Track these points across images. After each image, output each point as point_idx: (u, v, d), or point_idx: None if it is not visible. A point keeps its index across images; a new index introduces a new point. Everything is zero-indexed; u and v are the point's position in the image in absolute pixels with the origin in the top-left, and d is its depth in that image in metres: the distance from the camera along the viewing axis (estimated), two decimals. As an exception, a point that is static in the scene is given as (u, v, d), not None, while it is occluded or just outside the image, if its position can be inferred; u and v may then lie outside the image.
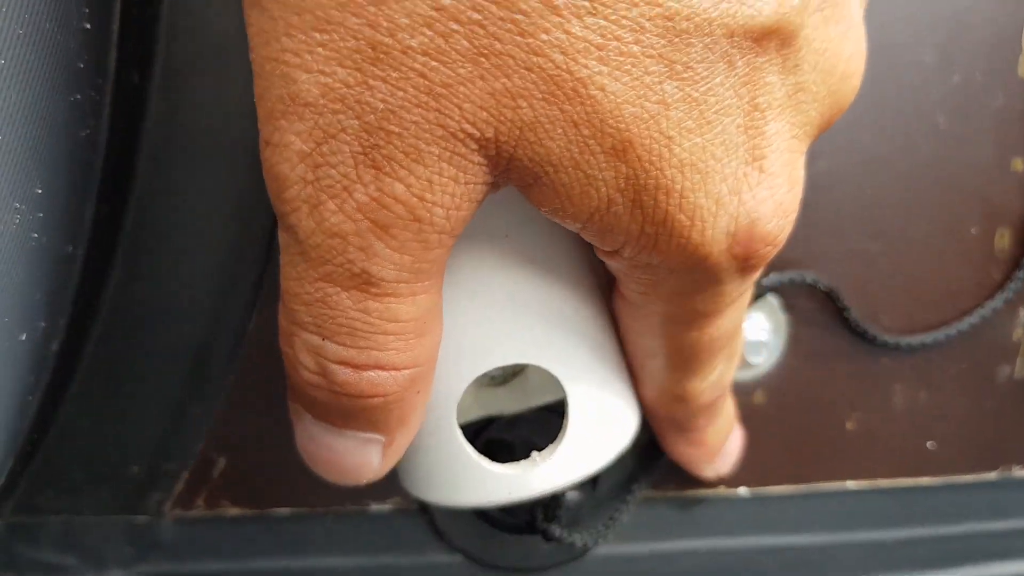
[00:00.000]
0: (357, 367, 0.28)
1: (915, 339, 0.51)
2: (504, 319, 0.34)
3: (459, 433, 0.37)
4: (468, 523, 0.51)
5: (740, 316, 0.36)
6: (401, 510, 0.51)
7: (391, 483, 0.50)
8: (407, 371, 0.30)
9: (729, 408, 0.46)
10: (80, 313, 0.40)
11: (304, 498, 0.50)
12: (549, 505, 0.44)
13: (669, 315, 0.34)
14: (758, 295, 0.49)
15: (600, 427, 0.39)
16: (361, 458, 0.33)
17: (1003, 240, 0.52)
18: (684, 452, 0.46)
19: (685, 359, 0.36)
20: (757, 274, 0.32)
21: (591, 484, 0.49)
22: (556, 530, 0.45)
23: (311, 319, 0.28)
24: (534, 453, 0.38)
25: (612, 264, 0.32)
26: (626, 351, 0.40)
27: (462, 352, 0.35)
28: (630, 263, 0.30)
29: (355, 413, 0.30)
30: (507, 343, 0.35)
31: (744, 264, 0.30)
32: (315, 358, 0.29)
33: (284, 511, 0.50)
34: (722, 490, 0.53)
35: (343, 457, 0.33)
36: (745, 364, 0.49)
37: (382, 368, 0.29)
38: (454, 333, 0.34)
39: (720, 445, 0.46)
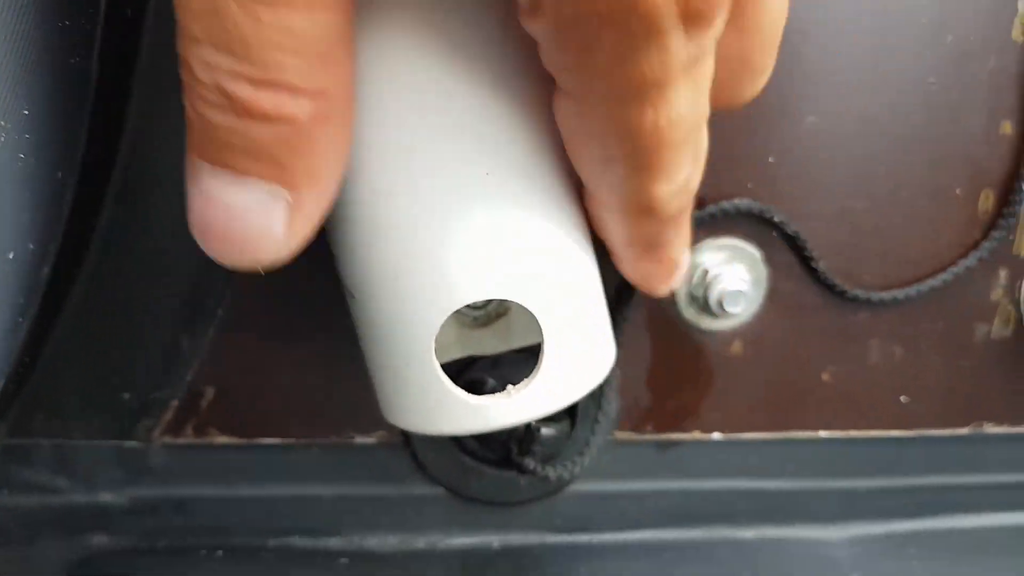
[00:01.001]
0: (254, 82, 0.27)
1: (889, 295, 0.52)
2: (483, 251, 0.35)
3: (436, 364, 0.38)
4: (449, 457, 0.52)
5: (699, 102, 0.32)
6: (385, 443, 0.52)
7: (376, 417, 0.52)
8: (310, 99, 0.28)
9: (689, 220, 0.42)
10: (72, 242, 0.41)
11: (290, 429, 0.51)
12: (524, 439, 0.45)
13: (615, 93, 0.30)
14: (722, 216, 0.49)
15: (575, 361, 0.40)
16: (262, 219, 0.29)
17: (987, 202, 0.53)
18: (645, 269, 0.42)
19: (647, 155, 0.32)
20: (705, 36, 0.28)
21: (568, 422, 0.51)
22: (530, 463, 0.46)
23: (203, 31, 0.26)
24: (509, 387, 0.40)
25: (538, 30, 0.29)
26: (583, 174, 0.36)
27: (440, 283, 0.36)
28: (556, 19, 0.28)
29: (256, 149, 0.28)
30: (485, 276, 0.36)
31: (686, 9, 0.27)
32: (210, 73, 0.27)
33: (271, 441, 0.51)
34: (697, 434, 0.54)
35: (242, 218, 0.29)
36: (724, 313, 0.50)
37: (281, 88, 0.27)
38: (432, 263, 0.35)
39: (682, 259, 0.42)
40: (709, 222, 0.50)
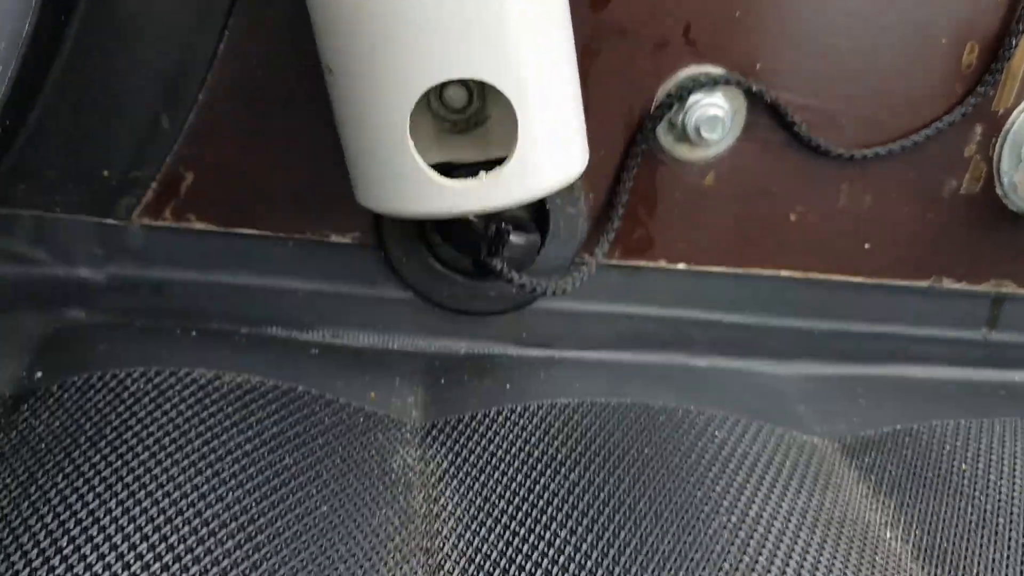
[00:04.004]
0: None
1: (872, 151, 0.53)
2: (461, 29, 0.36)
3: (411, 143, 0.39)
4: (420, 261, 0.54)
5: None
6: (359, 243, 0.54)
7: (352, 217, 0.53)
8: None
9: None
10: (53, 10, 0.42)
11: (268, 222, 0.52)
12: (494, 240, 0.47)
13: None
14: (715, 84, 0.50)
15: (547, 153, 0.41)
16: None
17: (971, 55, 0.53)
18: None
19: None
20: None
21: (538, 236, 0.52)
22: (498, 264, 0.47)
23: None
24: (482, 172, 0.41)
25: None
26: None
27: (414, 61, 0.36)
28: None
29: None
30: (459, 56, 0.36)
31: None
32: None
33: (248, 231, 0.52)
34: (663, 263, 0.56)
35: None
36: (701, 141, 0.51)
37: None
38: (410, 37, 0.36)
39: None
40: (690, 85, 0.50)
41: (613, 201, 0.53)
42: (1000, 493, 0.51)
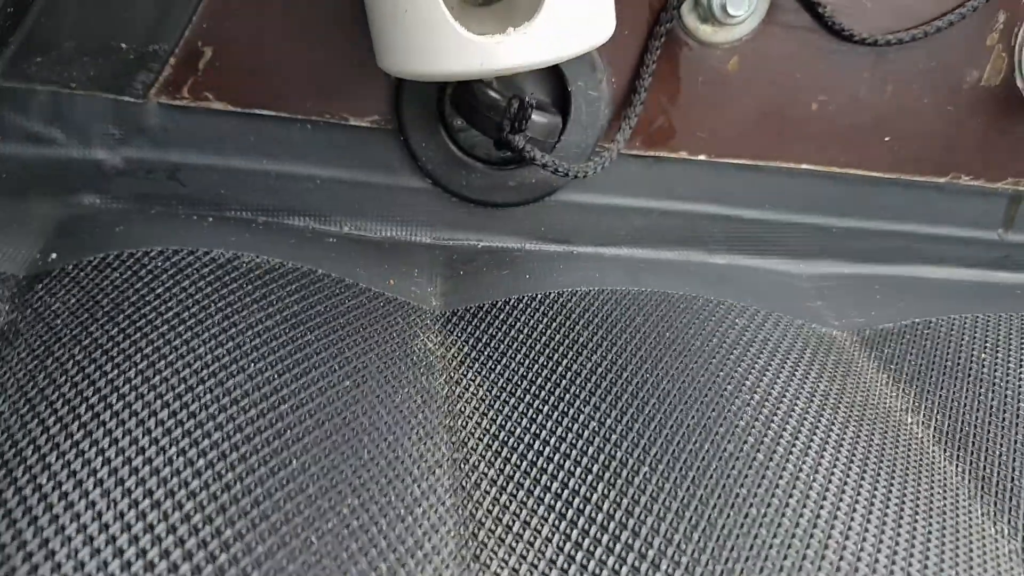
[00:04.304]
0: None
1: (895, 36, 0.52)
2: None
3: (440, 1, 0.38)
4: (439, 147, 0.53)
5: None
6: (378, 128, 0.53)
7: (371, 100, 0.52)
8: None
9: None
10: None
11: (287, 103, 0.52)
12: (517, 117, 0.46)
13: None
14: None
15: (575, 13, 0.40)
16: None
17: (1000, -61, 0.52)
18: None
19: None
20: None
21: (560, 119, 0.51)
22: (520, 141, 0.47)
23: None
24: (509, 28, 0.40)
25: None
26: None
27: None
28: None
29: None
30: None
31: None
32: None
33: (266, 112, 0.51)
34: (683, 155, 0.55)
35: None
36: (727, 18, 0.50)
37: None
38: None
39: None
40: None
41: (636, 85, 0.52)
42: (1020, 380, 0.51)
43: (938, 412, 0.49)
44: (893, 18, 0.53)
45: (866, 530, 0.40)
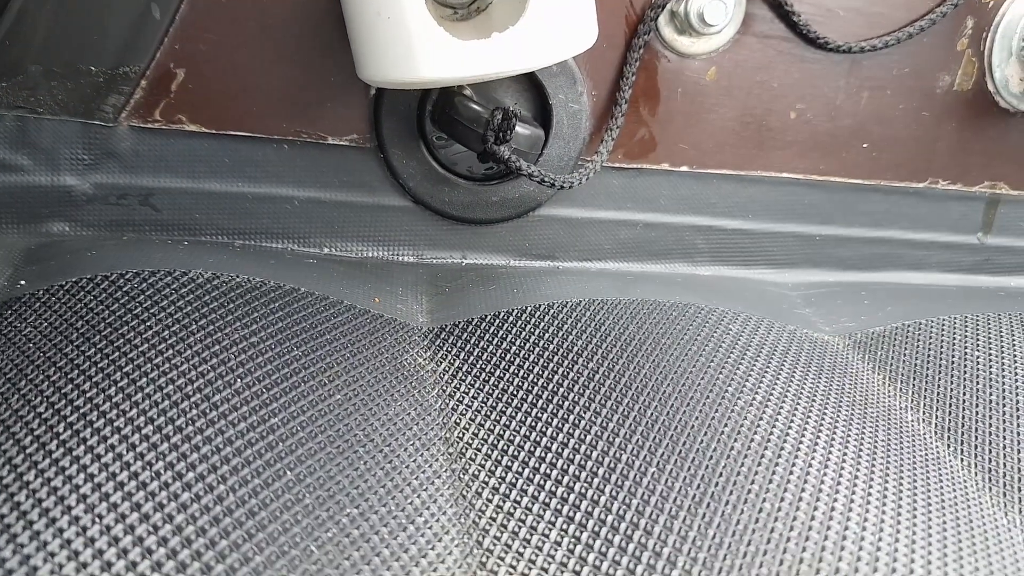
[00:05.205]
0: None
1: (868, 43, 0.53)
2: None
3: (422, 2, 0.38)
4: (420, 164, 0.52)
5: None
6: (357, 146, 0.52)
7: (349, 118, 0.51)
8: None
9: None
10: None
11: (263, 124, 0.51)
12: (501, 127, 0.45)
13: None
14: None
15: (557, 21, 0.40)
16: None
17: (961, -54, 0.54)
18: None
19: None
20: None
21: (543, 132, 0.51)
22: (505, 151, 0.46)
23: None
24: (494, 33, 0.40)
25: None
26: None
27: None
28: None
29: None
30: None
31: None
32: None
33: (241, 133, 0.50)
34: (666, 166, 0.55)
35: None
36: (705, 27, 0.50)
37: None
38: None
39: None
40: None
41: (616, 97, 0.52)
42: (1016, 376, 0.50)
43: (938, 408, 0.49)
44: (866, 25, 0.54)
45: (882, 520, 0.38)
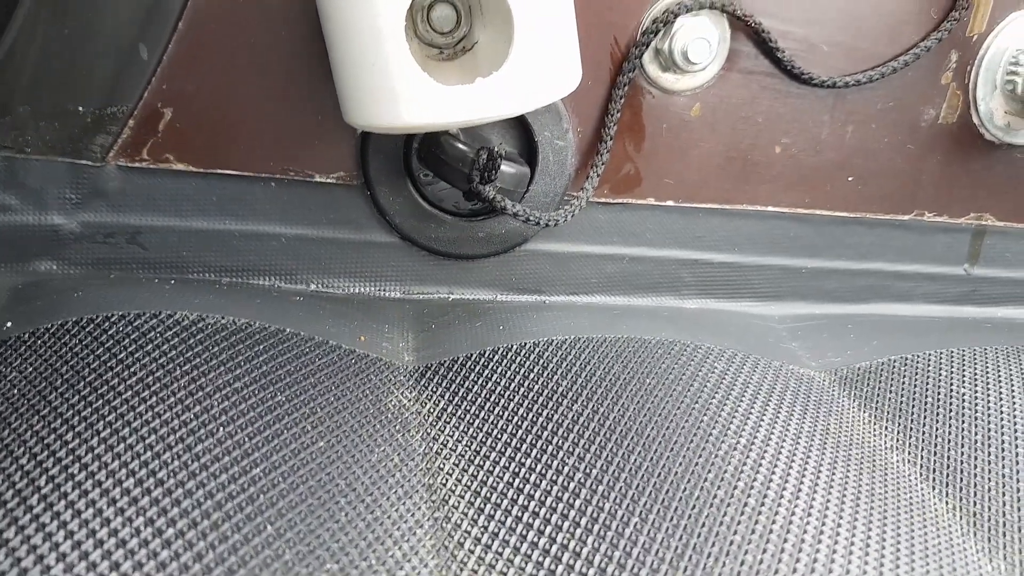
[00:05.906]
0: None
1: (852, 78, 0.53)
2: None
3: (407, 46, 0.38)
4: (407, 201, 0.52)
5: None
6: (344, 184, 0.52)
7: (336, 156, 0.51)
8: None
9: None
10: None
11: (250, 163, 0.51)
12: (486, 167, 0.45)
13: None
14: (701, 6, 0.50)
15: (541, 66, 0.40)
16: None
17: (946, -21, 0.54)
18: None
19: None
20: None
21: (528, 170, 0.51)
22: (490, 191, 0.46)
23: None
24: (477, 78, 0.40)
25: None
26: None
27: None
28: None
29: None
30: None
31: None
32: None
33: (229, 172, 0.50)
34: (651, 200, 0.55)
35: None
36: (688, 65, 0.50)
37: None
38: None
39: None
40: (676, 9, 0.50)
41: (602, 134, 0.52)
42: (1002, 413, 0.51)
43: (923, 448, 0.49)
44: (849, 60, 0.54)
45: (865, 572, 0.39)
